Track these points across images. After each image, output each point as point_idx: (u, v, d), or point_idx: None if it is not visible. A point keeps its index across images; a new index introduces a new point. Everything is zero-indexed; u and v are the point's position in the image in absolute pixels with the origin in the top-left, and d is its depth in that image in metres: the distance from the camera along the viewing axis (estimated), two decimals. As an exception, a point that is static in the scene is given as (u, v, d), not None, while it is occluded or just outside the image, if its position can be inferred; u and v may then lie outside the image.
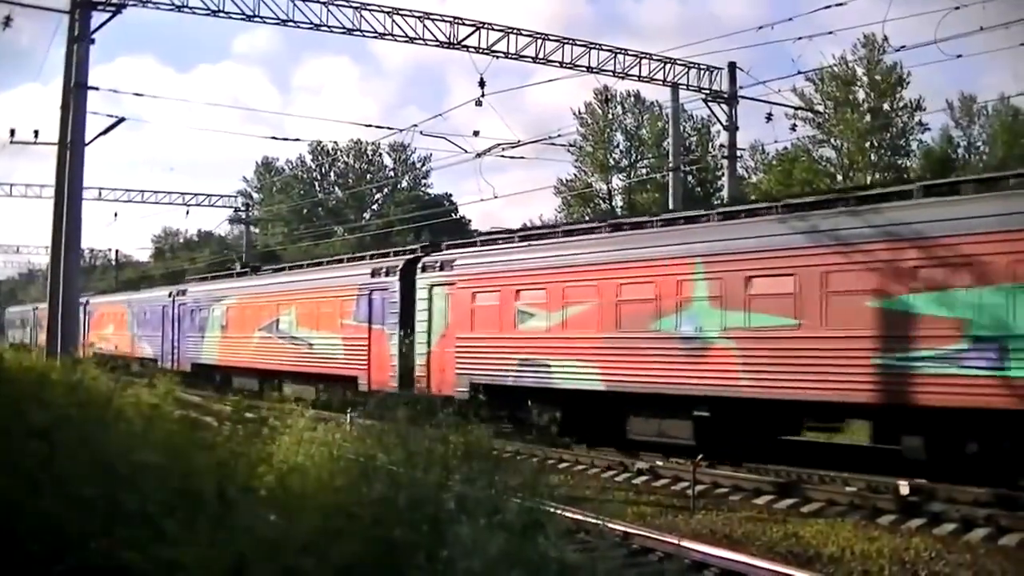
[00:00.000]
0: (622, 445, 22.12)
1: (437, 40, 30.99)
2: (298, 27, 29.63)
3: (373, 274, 30.40)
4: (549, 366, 23.29)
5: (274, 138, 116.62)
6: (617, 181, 73.20)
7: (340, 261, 36.09)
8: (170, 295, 48.24)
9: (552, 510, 7.06)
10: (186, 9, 28.16)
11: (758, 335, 18.94)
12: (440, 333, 27.00)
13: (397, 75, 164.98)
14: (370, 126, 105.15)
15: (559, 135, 38.72)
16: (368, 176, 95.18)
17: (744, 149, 49.61)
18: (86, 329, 58.63)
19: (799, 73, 34.74)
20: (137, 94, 35.52)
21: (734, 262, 19.49)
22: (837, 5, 25.76)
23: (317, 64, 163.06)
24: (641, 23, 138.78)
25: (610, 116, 72.51)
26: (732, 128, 36.16)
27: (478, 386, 24.66)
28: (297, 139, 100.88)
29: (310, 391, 32.42)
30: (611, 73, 33.76)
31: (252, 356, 37.63)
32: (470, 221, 79.61)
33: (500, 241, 27.43)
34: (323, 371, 32.72)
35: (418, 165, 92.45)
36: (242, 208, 72.94)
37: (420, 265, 28.36)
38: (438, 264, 27.72)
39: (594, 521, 10.31)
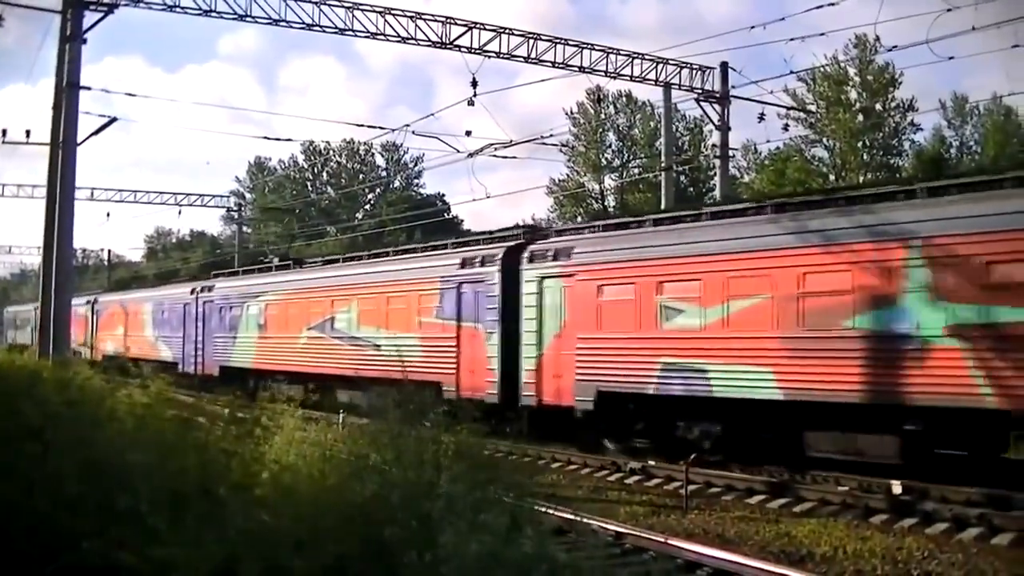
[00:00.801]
0: (798, 464, 18.81)
1: (429, 40, 31.08)
2: (290, 27, 29.74)
3: (463, 264, 26.29)
4: (705, 371, 19.63)
5: (266, 138, 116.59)
6: (609, 181, 73.25)
7: (414, 251, 31.49)
8: (192, 292, 43.97)
9: (540, 509, 7.08)
10: (178, 9, 28.19)
11: (1001, 333, 15.56)
12: (554, 333, 23.25)
13: (384, 75, 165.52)
14: (362, 126, 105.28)
15: (551, 135, 38.75)
16: (360, 176, 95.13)
17: (736, 149, 49.70)
18: (94, 330, 56.96)
19: (791, 73, 34.76)
20: (129, 94, 35.32)
21: (966, 244, 15.97)
22: (829, 5, 25.85)
23: (303, 64, 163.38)
24: (626, 23, 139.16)
25: (602, 116, 72.58)
26: (724, 128, 36.26)
27: (605, 395, 21.63)
28: (289, 139, 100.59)
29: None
30: (603, 73, 33.88)
31: (298, 359, 33.36)
32: (462, 221, 79.81)
33: (631, 225, 23.69)
34: (394, 376, 27.73)
35: (410, 165, 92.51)
36: (235, 208, 73.04)
37: (527, 254, 24.41)
38: (551, 252, 23.78)
39: (585, 521, 10.32)
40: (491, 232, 29.94)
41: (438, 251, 29.33)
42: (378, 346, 28.70)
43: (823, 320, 17.79)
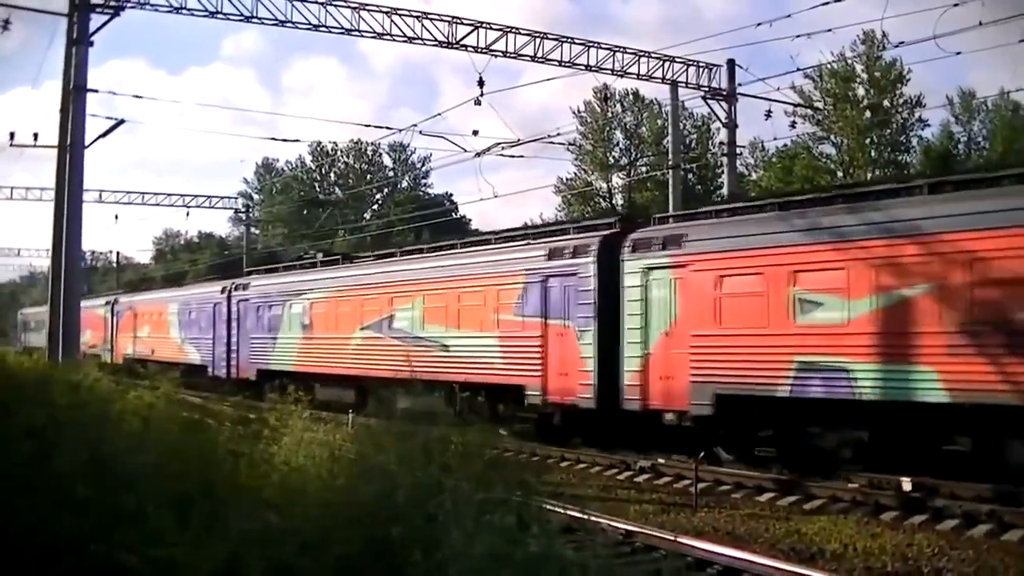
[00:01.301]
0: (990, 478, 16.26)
1: (436, 40, 31.02)
2: (297, 28, 29.67)
3: (551, 255, 23.68)
4: (849, 371, 17.20)
5: (273, 139, 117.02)
6: (617, 179, 73.27)
7: (487, 242, 28.53)
8: (224, 291, 41.16)
9: (548, 508, 7.07)
10: (185, 10, 28.17)
11: None
12: (662, 330, 20.84)
13: (387, 76, 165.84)
14: (368, 126, 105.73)
15: (558, 134, 38.73)
16: (368, 176, 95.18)
17: (744, 146, 49.70)
18: (114, 332, 55.23)
19: (798, 70, 34.79)
20: (136, 96, 35.39)
21: None
22: (835, 1, 25.76)
23: (306, 66, 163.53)
24: (625, 20, 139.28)
25: (609, 114, 72.56)
26: (731, 125, 36.18)
27: (725, 398, 19.27)
28: (297, 140, 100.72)
29: (438, 403, 24.52)
30: (609, 71, 33.79)
31: (350, 361, 30.63)
32: (470, 220, 79.85)
33: (749, 210, 21.10)
34: (467, 379, 24.94)
35: (418, 165, 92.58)
36: (243, 209, 73.03)
37: (629, 243, 21.94)
38: (659, 240, 21.29)
39: (594, 520, 10.31)
40: (577, 221, 27.54)
41: (517, 242, 26.77)
42: (447, 346, 26.50)
43: (1007, 311, 15.50)
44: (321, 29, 29.88)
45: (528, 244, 25.74)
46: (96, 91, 27.77)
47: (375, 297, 30.26)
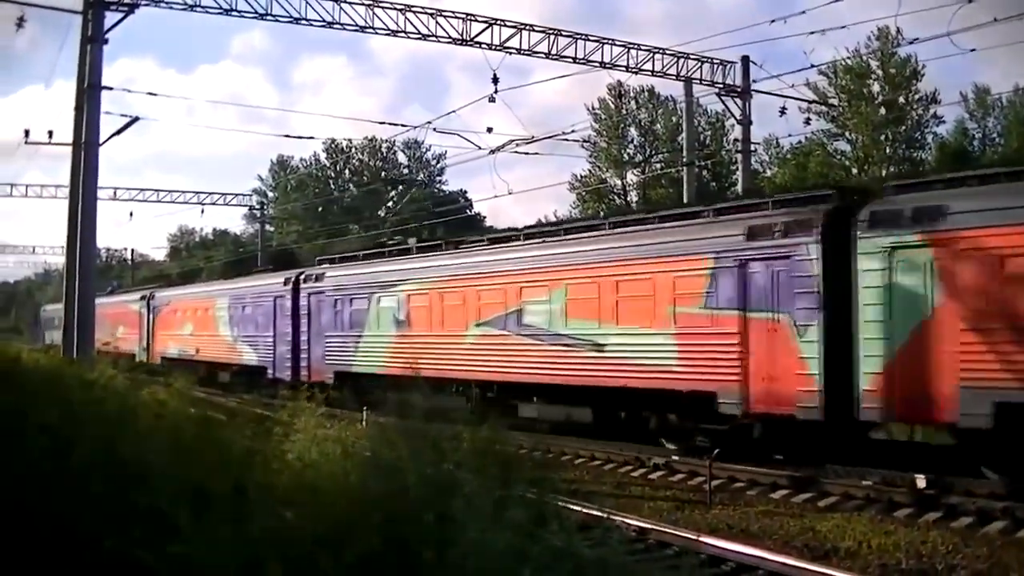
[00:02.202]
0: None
1: (449, 37, 31.06)
2: (311, 25, 29.71)
3: (752, 235, 19.52)
4: None
5: (287, 136, 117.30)
6: (632, 176, 73.21)
7: (647, 221, 23.70)
8: (287, 283, 36.44)
9: (564, 505, 7.09)
10: (199, 8, 28.24)
11: None
12: (916, 323, 16.73)
13: (395, 73, 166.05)
14: (383, 123, 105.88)
15: (572, 131, 38.75)
16: (383, 174, 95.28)
17: (758, 143, 49.60)
18: (151, 329, 51.72)
19: (812, 67, 34.72)
20: (151, 93, 35.18)
21: None
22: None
23: (313, 64, 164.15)
24: (628, 15, 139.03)
25: (624, 111, 72.47)
26: (746, 122, 36.16)
27: (1008, 407, 15.19)
28: (311, 137, 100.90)
29: (584, 413, 23.55)
30: (624, 68, 33.80)
31: (463, 363, 26.10)
32: (485, 217, 79.91)
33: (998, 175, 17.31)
34: (627, 384, 21.90)
35: (432, 162, 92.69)
36: (257, 207, 73.28)
37: (864, 217, 17.75)
38: (907, 214, 17.14)
39: (610, 516, 10.30)
40: (775, 194, 23.14)
41: (697, 220, 22.17)
42: (601, 346, 22.53)
43: None
44: (335, 26, 29.96)
45: (715, 221, 21.41)
46: (111, 88, 27.92)
47: (497, 288, 25.85)
